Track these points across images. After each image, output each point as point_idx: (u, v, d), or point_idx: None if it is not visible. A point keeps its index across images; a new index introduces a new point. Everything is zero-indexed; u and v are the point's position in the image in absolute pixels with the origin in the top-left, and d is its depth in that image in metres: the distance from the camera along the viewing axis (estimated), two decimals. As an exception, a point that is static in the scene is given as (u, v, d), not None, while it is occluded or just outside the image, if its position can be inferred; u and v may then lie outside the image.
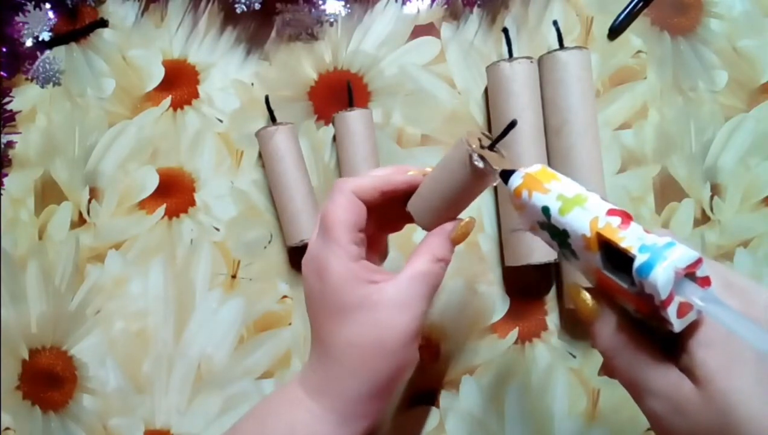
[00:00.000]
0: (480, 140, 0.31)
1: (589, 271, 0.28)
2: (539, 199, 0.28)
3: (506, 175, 0.30)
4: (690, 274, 0.24)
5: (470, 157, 0.30)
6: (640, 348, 0.26)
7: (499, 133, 0.31)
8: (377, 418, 0.32)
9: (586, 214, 0.26)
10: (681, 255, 0.23)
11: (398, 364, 0.31)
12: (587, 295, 0.28)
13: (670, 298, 0.23)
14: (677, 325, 0.24)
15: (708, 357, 0.24)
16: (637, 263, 0.24)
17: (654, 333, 0.27)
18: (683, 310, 0.24)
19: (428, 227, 0.34)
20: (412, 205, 0.34)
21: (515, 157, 0.42)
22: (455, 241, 0.33)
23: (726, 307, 0.22)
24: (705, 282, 0.24)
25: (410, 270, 0.32)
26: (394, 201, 0.34)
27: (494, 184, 0.33)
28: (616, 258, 0.25)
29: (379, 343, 0.31)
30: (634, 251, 0.24)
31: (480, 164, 0.30)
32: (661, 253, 0.23)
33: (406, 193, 0.34)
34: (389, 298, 0.31)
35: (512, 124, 0.31)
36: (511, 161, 0.31)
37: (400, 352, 0.31)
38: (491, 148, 0.31)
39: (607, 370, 0.30)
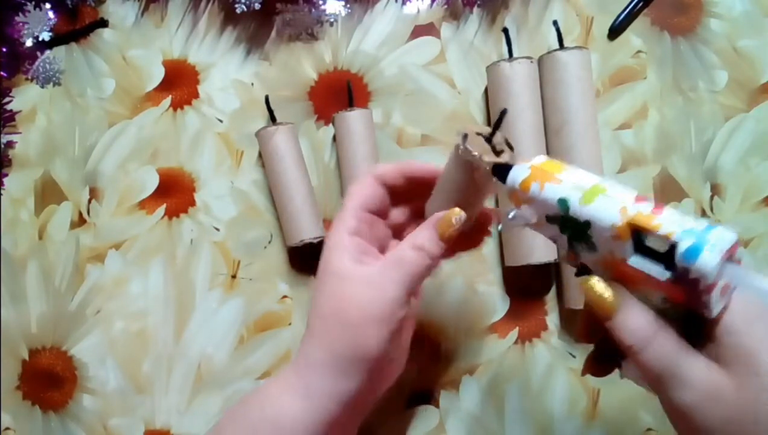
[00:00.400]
0: (479, 135, 0.30)
1: (606, 264, 0.27)
2: (554, 191, 0.27)
3: (502, 170, 0.29)
4: (729, 256, 0.23)
5: (457, 147, 0.30)
6: (668, 338, 0.26)
7: (494, 125, 0.31)
8: (344, 404, 0.31)
9: (613, 202, 0.25)
10: (722, 237, 0.23)
11: (358, 342, 0.30)
12: (604, 287, 0.27)
13: (715, 282, 0.23)
14: (716, 308, 0.24)
15: (736, 341, 0.24)
16: (681, 248, 0.23)
17: (674, 322, 0.26)
18: (723, 292, 0.24)
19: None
20: (427, 206, 0.34)
21: (515, 156, 0.42)
22: (441, 234, 0.31)
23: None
24: (739, 263, 0.24)
25: (388, 254, 0.32)
26: (424, 191, 0.34)
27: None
28: (647, 246, 0.25)
29: (339, 314, 0.31)
30: (675, 237, 0.23)
31: (473, 152, 0.29)
32: (705, 237, 0.23)
33: (432, 183, 0.33)
34: (359, 274, 0.31)
35: (503, 113, 0.30)
36: (516, 155, 0.31)
37: (360, 329, 0.30)
38: (489, 139, 0.30)
39: (592, 369, 0.30)
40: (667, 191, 0.46)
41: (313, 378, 0.31)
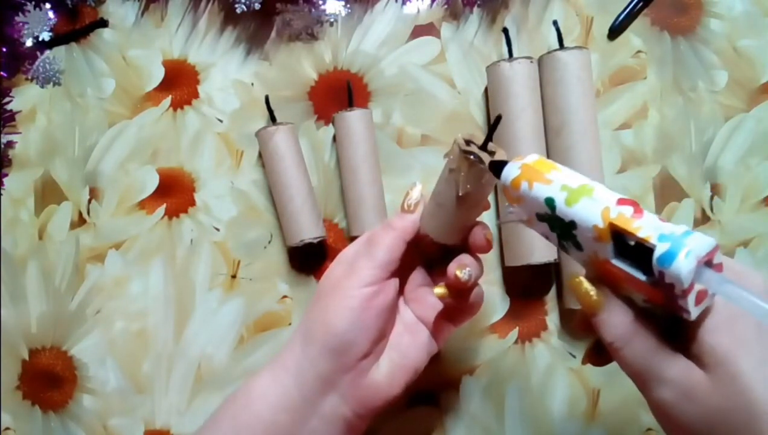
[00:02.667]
0: (471, 143, 0.31)
1: (593, 263, 0.27)
2: (541, 190, 0.27)
3: (498, 166, 0.29)
4: (707, 261, 0.24)
5: (460, 150, 0.30)
6: (648, 337, 0.26)
7: (488, 131, 0.31)
8: (329, 401, 0.33)
9: (596, 204, 0.26)
10: (700, 243, 0.23)
11: (326, 317, 0.33)
12: (590, 286, 0.28)
13: (690, 287, 0.23)
14: (694, 312, 0.24)
15: (716, 342, 0.25)
16: (657, 253, 0.23)
17: (658, 322, 0.27)
18: (700, 297, 0.24)
19: (448, 240, 0.34)
20: (424, 223, 0.34)
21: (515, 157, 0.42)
22: (402, 206, 0.35)
23: (744, 290, 0.22)
24: (719, 268, 0.24)
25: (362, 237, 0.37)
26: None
27: (493, 184, 0.32)
28: (629, 248, 0.25)
29: (318, 295, 0.35)
30: (653, 241, 0.24)
31: (474, 155, 0.30)
32: (681, 242, 0.23)
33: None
34: (340, 256, 0.36)
35: (498, 119, 0.30)
36: (504, 155, 0.31)
37: (330, 302, 0.33)
38: (484, 147, 0.31)
39: (592, 358, 0.31)
40: (667, 191, 0.46)
41: (285, 353, 0.35)
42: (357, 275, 0.33)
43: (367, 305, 0.33)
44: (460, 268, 0.33)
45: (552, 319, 0.46)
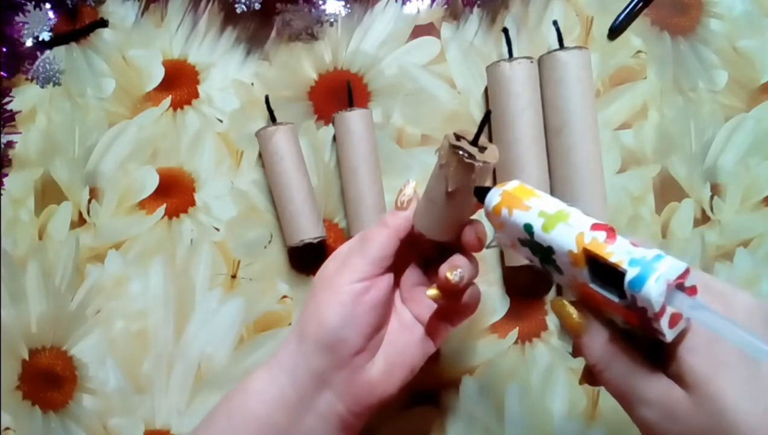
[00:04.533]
0: (462, 138, 0.31)
1: (574, 286, 0.28)
2: (520, 217, 0.28)
3: (481, 192, 0.30)
4: (679, 284, 0.24)
5: (449, 145, 0.30)
6: (629, 358, 0.27)
7: (478, 127, 0.31)
8: (324, 398, 0.33)
9: (571, 229, 0.26)
10: (670, 266, 0.24)
11: (319, 313, 0.33)
12: (573, 310, 0.28)
13: (662, 310, 0.23)
14: (669, 335, 0.24)
15: (696, 363, 0.25)
16: (628, 277, 0.24)
17: (640, 342, 0.27)
18: (674, 320, 0.24)
19: (439, 237, 0.34)
20: (416, 219, 0.34)
21: (515, 157, 0.42)
22: (395, 203, 0.35)
23: (715, 314, 0.23)
24: (692, 291, 0.25)
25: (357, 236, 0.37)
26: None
27: (485, 181, 0.32)
28: (604, 272, 0.25)
29: (312, 292, 0.35)
30: (624, 266, 0.24)
31: (463, 150, 0.30)
32: (652, 266, 0.23)
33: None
34: (335, 253, 0.36)
35: (488, 114, 0.31)
36: (495, 151, 0.31)
37: (322, 299, 0.33)
38: (474, 143, 0.31)
39: (589, 378, 0.31)
40: (667, 191, 0.46)
41: (281, 351, 0.34)
42: (349, 271, 0.33)
43: (358, 300, 0.33)
44: (451, 269, 0.32)
45: (552, 319, 0.46)
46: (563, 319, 0.29)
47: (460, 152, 0.30)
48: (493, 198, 0.29)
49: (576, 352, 0.30)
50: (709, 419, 0.24)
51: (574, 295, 0.29)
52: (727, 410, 0.24)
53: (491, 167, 0.30)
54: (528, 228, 0.28)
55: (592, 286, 0.26)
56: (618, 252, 0.25)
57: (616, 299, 0.25)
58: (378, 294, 0.34)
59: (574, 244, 0.26)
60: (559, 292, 0.45)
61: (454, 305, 0.35)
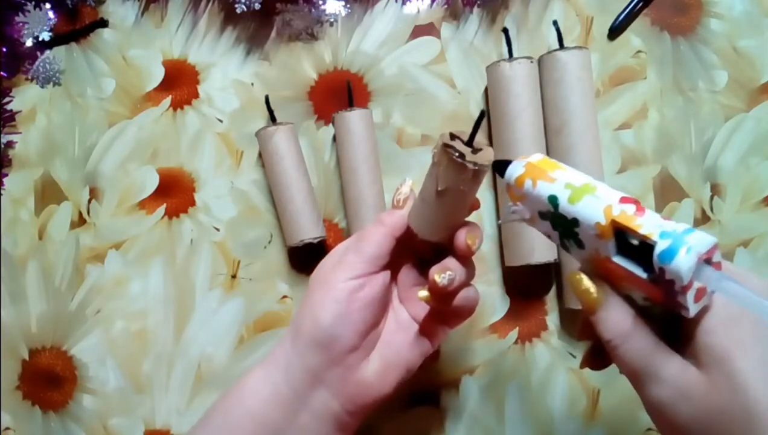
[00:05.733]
0: (457, 138, 0.31)
1: (593, 261, 0.28)
2: (545, 188, 0.28)
3: (501, 166, 0.30)
4: (707, 259, 0.24)
5: (442, 144, 0.30)
6: (645, 336, 0.26)
7: (473, 127, 0.30)
8: (319, 396, 0.33)
9: (599, 202, 0.26)
10: (701, 240, 0.24)
11: (314, 312, 0.33)
12: (590, 283, 0.28)
13: (690, 284, 0.23)
14: (693, 309, 0.24)
15: (713, 342, 0.25)
16: (658, 249, 0.24)
17: (656, 321, 0.27)
18: (699, 295, 0.24)
19: (431, 237, 0.33)
20: (411, 218, 0.34)
21: (515, 157, 0.42)
22: (392, 202, 0.35)
23: (743, 287, 0.23)
24: (718, 266, 0.25)
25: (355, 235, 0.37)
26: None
27: (478, 182, 0.32)
28: (630, 246, 0.25)
29: (308, 292, 0.35)
30: (654, 238, 0.24)
31: (463, 160, 0.29)
32: (683, 239, 0.23)
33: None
34: (333, 250, 0.36)
35: (482, 116, 0.30)
36: (490, 154, 0.31)
37: (317, 298, 0.33)
38: (470, 143, 0.30)
39: (591, 362, 0.31)
40: (667, 191, 0.46)
41: (277, 349, 0.35)
42: (343, 268, 0.33)
43: (352, 298, 0.33)
44: (440, 272, 0.32)
45: (552, 319, 0.46)
46: (580, 294, 0.28)
47: (451, 151, 0.29)
48: (517, 169, 0.29)
49: (584, 332, 0.29)
50: (724, 399, 0.24)
51: (590, 272, 0.28)
52: (743, 390, 0.24)
53: (485, 169, 0.30)
54: (553, 200, 0.27)
55: (616, 259, 0.26)
56: (648, 224, 0.25)
57: (641, 273, 0.25)
58: (372, 292, 0.34)
59: (602, 216, 0.26)
60: (559, 291, 0.45)
61: (443, 308, 0.34)
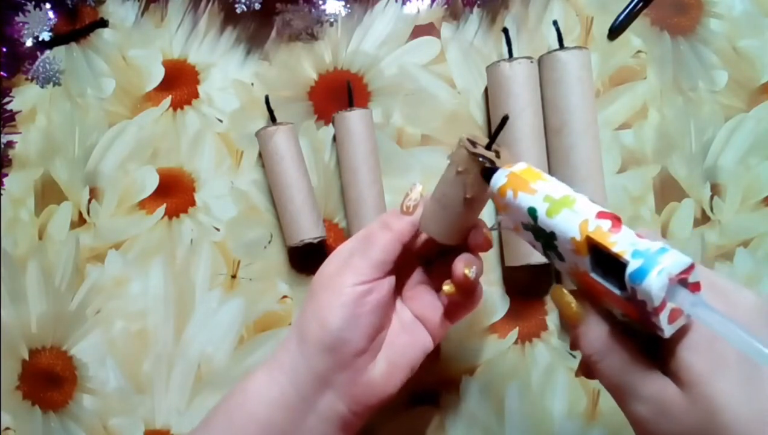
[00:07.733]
0: (476, 144, 0.31)
1: (575, 274, 0.27)
2: (525, 200, 0.27)
3: (488, 173, 0.30)
4: (682, 280, 0.23)
5: (468, 152, 0.30)
6: (625, 352, 0.26)
7: (494, 132, 0.31)
8: (326, 399, 0.34)
9: (575, 216, 0.26)
10: (674, 261, 0.23)
11: (320, 315, 0.33)
12: (571, 298, 0.28)
13: (662, 305, 0.23)
14: (667, 330, 0.24)
15: (693, 361, 0.24)
16: (630, 269, 0.23)
17: (638, 336, 0.26)
18: (674, 315, 0.24)
19: (450, 241, 0.34)
20: (425, 224, 0.34)
21: (516, 157, 0.42)
22: (401, 207, 0.35)
23: (716, 313, 0.22)
24: (696, 287, 0.24)
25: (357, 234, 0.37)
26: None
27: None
28: (606, 262, 0.25)
29: (311, 293, 0.35)
30: (626, 257, 0.23)
31: (483, 157, 0.30)
32: (655, 259, 0.23)
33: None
34: (335, 251, 0.36)
35: (505, 120, 0.30)
36: (511, 157, 0.31)
37: (324, 301, 0.33)
38: (489, 147, 0.31)
39: (585, 371, 0.30)
40: (667, 191, 0.46)
41: (280, 352, 0.34)
42: (350, 272, 0.33)
43: (360, 302, 0.33)
44: (468, 266, 0.33)
45: (552, 319, 0.46)
46: (561, 308, 0.28)
47: (481, 159, 0.29)
48: (499, 179, 0.29)
49: (573, 343, 0.29)
50: (702, 418, 0.24)
51: (574, 284, 0.28)
52: (721, 411, 0.23)
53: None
54: (532, 212, 0.27)
55: (593, 275, 0.25)
56: (621, 242, 0.24)
57: (616, 290, 0.25)
58: (379, 296, 0.34)
59: (578, 231, 0.25)
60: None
61: (466, 300, 0.36)
